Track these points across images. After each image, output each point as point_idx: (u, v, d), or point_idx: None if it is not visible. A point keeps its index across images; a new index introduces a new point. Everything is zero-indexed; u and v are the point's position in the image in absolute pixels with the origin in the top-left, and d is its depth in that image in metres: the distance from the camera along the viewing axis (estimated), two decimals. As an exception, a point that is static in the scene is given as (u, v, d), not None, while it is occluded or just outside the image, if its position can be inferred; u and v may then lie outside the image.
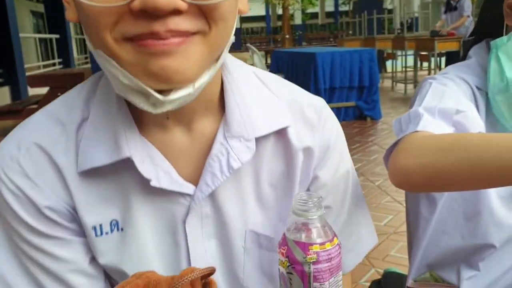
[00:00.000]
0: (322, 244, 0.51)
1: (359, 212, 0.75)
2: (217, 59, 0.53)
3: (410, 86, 8.07)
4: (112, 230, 0.60)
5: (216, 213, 0.62)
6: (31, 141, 0.59)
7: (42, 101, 6.03)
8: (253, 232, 0.64)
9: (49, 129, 0.59)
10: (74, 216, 0.60)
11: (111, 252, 0.60)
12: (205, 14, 0.47)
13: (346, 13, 30.37)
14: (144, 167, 0.57)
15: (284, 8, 23.46)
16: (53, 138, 0.59)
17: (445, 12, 7.51)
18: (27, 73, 7.60)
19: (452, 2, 7.32)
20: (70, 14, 0.53)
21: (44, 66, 9.80)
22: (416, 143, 0.72)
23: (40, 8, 14.78)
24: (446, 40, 6.75)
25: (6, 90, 7.55)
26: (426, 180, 0.69)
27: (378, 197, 3.25)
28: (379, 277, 1.82)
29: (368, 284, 1.60)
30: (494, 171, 0.61)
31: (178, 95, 0.49)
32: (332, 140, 0.69)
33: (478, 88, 0.93)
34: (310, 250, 0.51)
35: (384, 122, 5.68)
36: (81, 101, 0.61)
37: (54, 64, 10.15)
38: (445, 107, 0.79)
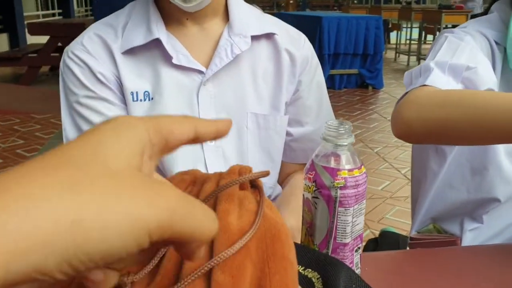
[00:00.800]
0: (350, 170, 0.53)
1: (331, 115, 0.93)
2: None
3: (413, 58, 8.01)
4: (145, 99, 0.80)
5: (221, 92, 0.81)
6: (91, 32, 0.81)
7: (43, 50, 5.93)
8: (253, 114, 0.83)
9: (103, 28, 0.82)
10: (119, 84, 0.80)
11: (143, 115, 0.70)
12: None
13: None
14: (168, 47, 0.78)
15: (290, -27, 22.93)
16: (106, 31, 0.81)
17: None
18: (26, 21, 7.45)
19: None
20: None
21: (43, 16, 9.62)
22: (421, 96, 0.73)
23: (41, -44, 14.38)
24: (453, 13, 6.66)
25: (4, 37, 7.42)
26: (428, 133, 0.72)
27: (376, 163, 3.27)
28: (375, 237, 1.86)
29: (364, 243, 1.63)
30: (498, 130, 0.63)
31: None
32: (310, 55, 0.88)
33: (496, 43, 0.91)
34: (339, 176, 0.52)
35: (386, 92, 5.66)
36: (125, 12, 0.84)
37: (53, 15, 9.96)
38: (456, 63, 0.79)
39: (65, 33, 5.90)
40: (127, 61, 0.80)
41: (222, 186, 0.34)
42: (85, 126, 0.79)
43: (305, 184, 0.54)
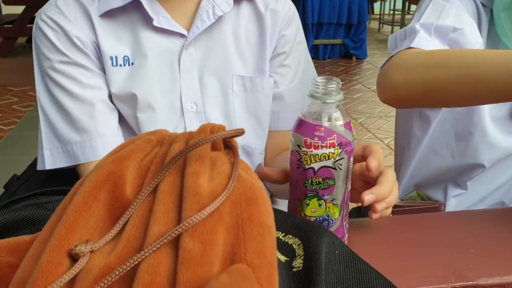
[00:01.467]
0: (350, 120, 0.53)
1: (310, 74, 0.89)
2: None
3: (396, 29, 7.95)
4: (124, 64, 0.76)
5: (204, 55, 0.78)
6: None
7: (18, 21, 5.75)
8: (238, 76, 0.80)
9: None
10: (97, 50, 0.76)
11: (123, 81, 0.76)
12: None
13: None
14: (149, 9, 0.74)
15: None
16: None
17: None
18: (1, -9, 7.19)
19: None
20: None
21: (19, -15, 9.29)
22: (407, 59, 0.71)
23: None
24: (438, -18, 6.60)
25: (-23, 7, 7.16)
26: (415, 95, 0.71)
27: (360, 133, 3.27)
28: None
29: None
30: (487, 88, 0.62)
31: None
32: (292, 12, 0.86)
33: (483, 4, 0.88)
34: (352, 127, 0.52)
35: (369, 62, 5.63)
36: None
37: (29, -16, 9.63)
38: (442, 24, 0.77)
39: (42, 2, 5.69)
40: (105, 25, 0.75)
41: (192, 145, 0.30)
42: (60, 94, 0.74)
43: (324, 153, 0.50)
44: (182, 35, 0.77)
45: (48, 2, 0.77)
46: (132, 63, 0.77)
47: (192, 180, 0.30)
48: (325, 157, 0.49)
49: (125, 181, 0.32)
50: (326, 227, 0.52)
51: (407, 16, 8.35)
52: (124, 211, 0.30)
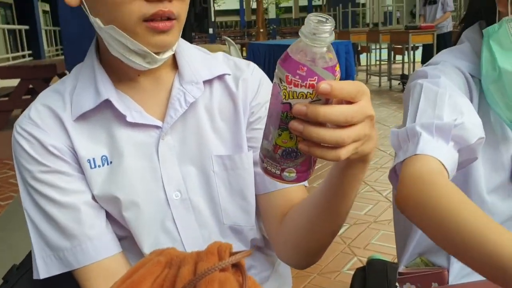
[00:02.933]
0: (337, 62, 0.50)
1: None
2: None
3: (384, 79, 8.16)
4: (103, 164, 0.77)
5: (181, 142, 0.79)
6: (38, 104, 0.79)
7: (14, 93, 5.82)
8: (217, 156, 0.80)
9: (51, 96, 0.80)
10: (74, 154, 0.77)
11: (104, 182, 0.77)
12: (181, 4, 0.71)
13: (320, 7, 30.49)
14: (120, 106, 0.76)
15: (258, 2, 23.38)
16: (54, 99, 0.79)
17: (424, 5, 7.52)
18: (-4, 65, 7.36)
19: None
20: (72, 0, 0.73)
21: (13, 58, 9.54)
22: (415, 187, 0.72)
23: (8, -2, 14.33)
24: (420, 33, 6.84)
25: (-27, 82, 7.30)
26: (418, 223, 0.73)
27: (357, 187, 3.27)
28: (362, 265, 1.84)
29: (352, 272, 1.61)
30: (473, 263, 0.63)
31: (166, 55, 0.74)
32: (260, 80, 0.86)
33: (472, 75, 0.91)
34: (336, 71, 0.49)
35: (360, 114, 5.71)
36: (71, 77, 0.81)
37: (23, 56, 9.89)
38: (442, 122, 0.78)
39: (36, 75, 5.83)
40: (80, 128, 0.77)
41: (201, 275, 0.31)
42: (44, 203, 0.75)
43: (302, 92, 0.48)
44: (157, 127, 0.78)
45: (22, 114, 0.79)
46: (111, 162, 0.77)
47: (203, 306, 0.31)
48: (302, 96, 0.48)
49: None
50: (294, 159, 0.52)
51: (394, 66, 8.59)
52: None
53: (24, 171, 0.76)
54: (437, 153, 0.75)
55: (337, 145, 0.49)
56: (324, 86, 0.47)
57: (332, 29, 0.49)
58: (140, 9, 0.67)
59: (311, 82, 0.48)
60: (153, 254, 0.36)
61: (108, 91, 0.76)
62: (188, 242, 0.80)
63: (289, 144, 0.51)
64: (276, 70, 0.50)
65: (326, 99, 0.49)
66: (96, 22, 0.71)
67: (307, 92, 0.48)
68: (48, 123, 0.77)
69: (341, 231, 2.61)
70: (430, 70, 0.91)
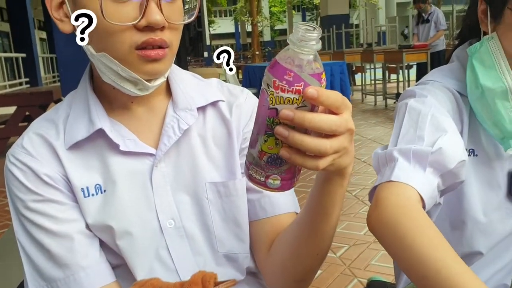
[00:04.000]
0: (324, 71, 0.51)
1: None
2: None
3: (379, 98, 8.22)
4: (97, 193, 0.76)
5: (175, 170, 0.79)
6: (31, 132, 0.78)
7: (10, 121, 5.84)
8: (211, 183, 0.80)
9: (44, 124, 0.79)
10: (67, 183, 0.76)
11: (97, 211, 0.76)
12: (173, 32, 0.72)
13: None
14: (113, 136, 0.75)
15: (253, 25, 23.69)
16: (47, 128, 0.78)
17: (417, 24, 7.63)
18: (-7, 93, 7.38)
19: (423, 14, 7.46)
20: (66, 27, 0.73)
21: (10, 86, 9.57)
22: (385, 212, 0.71)
23: (6, 27, 14.48)
24: (414, 52, 6.92)
25: (-30, 110, 7.31)
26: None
27: (356, 206, 3.26)
28: (363, 286, 1.82)
29: (353, 294, 1.59)
30: None
31: (158, 82, 0.74)
32: (254, 104, 0.85)
33: (461, 94, 0.92)
34: (322, 79, 0.51)
35: (357, 133, 5.74)
36: (64, 105, 0.81)
37: (20, 84, 9.93)
38: (420, 149, 0.77)
39: (32, 102, 5.86)
40: (73, 157, 0.76)
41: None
42: (37, 233, 0.74)
43: (288, 98, 0.49)
44: (151, 154, 0.78)
45: (15, 143, 0.78)
46: (105, 190, 0.77)
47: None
48: (289, 101, 0.49)
49: None
50: (278, 166, 0.52)
51: (389, 85, 8.66)
52: None
53: (16, 200, 0.75)
54: (412, 181, 0.74)
55: (318, 154, 0.50)
56: (311, 91, 0.48)
57: (319, 37, 0.50)
58: (132, 38, 0.68)
59: (297, 88, 0.49)
60: (136, 286, 0.36)
61: (101, 120, 0.76)
62: (183, 270, 0.78)
63: (274, 150, 0.52)
64: (264, 77, 0.52)
65: (312, 106, 0.50)
66: (89, 49, 0.71)
67: (294, 97, 0.49)
68: (41, 152, 0.76)
69: (340, 252, 2.61)
70: (419, 90, 0.91)
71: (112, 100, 0.78)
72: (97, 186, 0.76)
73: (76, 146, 0.76)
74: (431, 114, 0.83)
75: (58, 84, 8.88)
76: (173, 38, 0.72)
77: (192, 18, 0.76)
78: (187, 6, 0.76)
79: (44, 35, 19.80)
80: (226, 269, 0.82)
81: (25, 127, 0.81)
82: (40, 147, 0.76)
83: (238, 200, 0.81)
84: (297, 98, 0.50)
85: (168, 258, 0.78)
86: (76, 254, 0.74)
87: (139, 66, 0.70)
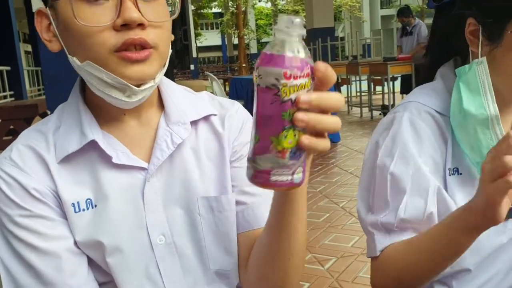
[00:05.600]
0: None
1: None
2: (164, 65, 0.75)
3: (365, 110, 8.28)
4: (87, 208, 0.74)
5: (167, 184, 0.77)
6: (20, 144, 0.75)
7: (-7, 135, 5.78)
8: (203, 198, 0.78)
9: (33, 136, 0.76)
10: (57, 198, 0.73)
11: (87, 227, 0.73)
12: (156, 31, 0.69)
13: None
14: (106, 147, 0.74)
15: (240, 38, 23.81)
16: (37, 140, 0.75)
17: (401, 36, 7.75)
18: (-24, 107, 7.27)
19: (407, 28, 7.58)
20: (54, 46, 0.74)
21: (-6, 99, 9.44)
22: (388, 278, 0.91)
23: (-11, 40, 14.31)
24: (398, 64, 7.00)
25: (-47, 124, 7.19)
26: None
27: (343, 218, 3.26)
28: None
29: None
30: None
31: (147, 86, 0.70)
32: (245, 119, 0.86)
33: (440, 113, 0.92)
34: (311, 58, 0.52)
35: (344, 145, 5.77)
36: (54, 117, 0.79)
37: (5, 97, 9.81)
38: (385, 222, 0.89)
39: (17, 115, 5.78)
40: (64, 171, 0.74)
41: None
42: (23, 249, 0.71)
43: (301, 84, 0.49)
44: (143, 168, 0.76)
45: (1, 155, 0.75)
46: (95, 205, 0.74)
47: None
48: (302, 87, 0.50)
49: None
50: (298, 158, 0.52)
51: (374, 97, 8.72)
52: None
53: (1, 214, 0.72)
54: (390, 243, 0.89)
55: (334, 130, 0.51)
56: (323, 66, 0.50)
57: (304, 23, 0.51)
58: (110, 40, 0.66)
59: (307, 71, 0.50)
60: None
61: (94, 132, 0.74)
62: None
63: (293, 143, 0.51)
64: (262, 77, 0.50)
65: (314, 84, 0.51)
66: (74, 61, 0.70)
67: (305, 82, 0.50)
68: (30, 165, 0.73)
69: (328, 264, 2.60)
70: (391, 130, 0.93)
71: (104, 113, 0.76)
72: (88, 200, 0.74)
73: (66, 160, 0.74)
74: (391, 173, 0.90)
75: (43, 97, 8.80)
76: (157, 38, 0.69)
77: (174, 16, 0.74)
78: (170, 8, 0.74)
79: (29, 48, 19.64)
80: (217, 287, 0.81)
81: (10, 141, 0.79)
82: (30, 160, 0.73)
83: (229, 214, 0.80)
84: (308, 81, 0.50)
85: (158, 275, 0.76)
86: (63, 273, 0.71)
87: (122, 70, 0.67)
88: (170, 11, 0.73)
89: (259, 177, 0.53)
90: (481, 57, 0.86)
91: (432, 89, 0.97)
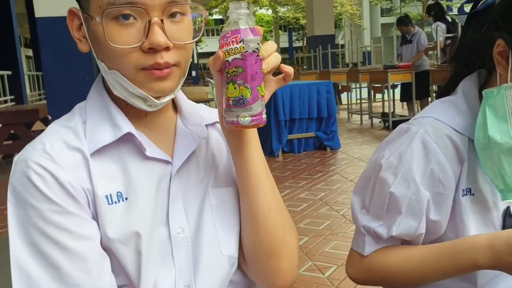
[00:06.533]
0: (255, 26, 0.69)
1: None
2: (183, 78, 0.80)
3: (365, 117, 8.29)
4: (119, 200, 0.74)
5: (185, 178, 0.81)
6: (52, 138, 0.74)
7: (-6, 139, 5.78)
8: (215, 189, 0.83)
9: (63, 131, 0.76)
10: (87, 195, 0.72)
11: (121, 219, 0.73)
12: (180, 51, 0.74)
13: (300, 48, 31.19)
14: (142, 140, 0.77)
15: (240, 44, 23.76)
16: (67, 134, 0.75)
17: (401, 45, 7.77)
18: (-23, 111, 7.27)
19: (407, 36, 7.60)
20: (83, 47, 0.78)
21: (-5, 104, 9.45)
22: (372, 276, 0.98)
23: (-9, 44, 14.35)
24: (398, 72, 7.01)
25: (-47, 128, 7.19)
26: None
27: (344, 226, 3.25)
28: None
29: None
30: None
31: (166, 99, 0.76)
32: None
33: (459, 132, 0.90)
34: (257, 31, 0.67)
35: (344, 152, 5.77)
36: (77, 114, 0.79)
37: (5, 101, 9.82)
38: (379, 232, 0.93)
39: (18, 120, 5.78)
40: (96, 164, 0.73)
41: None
42: (51, 249, 0.67)
43: (231, 48, 0.66)
44: (168, 163, 0.79)
45: (32, 148, 0.73)
46: (126, 198, 0.74)
47: None
48: (230, 52, 0.66)
49: None
50: (242, 105, 0.67)
51: (374, 104, 8.74)
52: None
53: (29, 209, 0.68)
54: (378, 248, 0.95)
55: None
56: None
57: (247, 7, 0.67)
58: (138, 60, 0.71)
59: (234, 39, 0.67)
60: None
61: (127, 125, 0.76)
62: (185, 279, 0.78)
63: (235, 93, 0.67)
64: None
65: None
66: (102, 66, 0.75)
67: (235, 47, 0.66)
68: (65, 159, 0.72)
69: (328, 272, 2.59)
70: (401, 146, 0.94)
71: (126, 112, 0.79)
72: (119, 193, 0.74)
73: (98, 153, 0.74)
74: (390, 192, 0.92)
75: (44, 102, 8.81)
76: (180, 58, 0.74)
77: (196, 39, 0.79)
78: (194, 26, 0.78)
79: (30, 52, 19.68)
80: (229, 275, 0.82)
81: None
82: (65, 154, 0.72)
83: (237, 205, 0.84)
84: (238, 47, 0.66)
85: (172, 267, 0.77)
86: (90, 275, 0.69)
87: (147, 85, 0.73)
88: (194, 29, 0.79)
89: (222, 116, 0.71)
90: (510, 81, 0.83)
91: (454, 106, 0.94)
